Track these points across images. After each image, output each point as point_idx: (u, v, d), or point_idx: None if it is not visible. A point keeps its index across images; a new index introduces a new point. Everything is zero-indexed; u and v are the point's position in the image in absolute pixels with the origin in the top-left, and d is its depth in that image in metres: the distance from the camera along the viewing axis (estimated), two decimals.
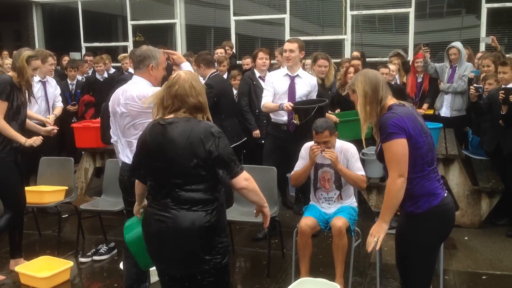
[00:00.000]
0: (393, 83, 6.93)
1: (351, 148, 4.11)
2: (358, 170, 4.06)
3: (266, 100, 5.16)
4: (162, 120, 2.61)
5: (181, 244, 2.55)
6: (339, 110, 5.92)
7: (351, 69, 5.91)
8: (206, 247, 2.57)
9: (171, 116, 2.61)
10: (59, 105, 6.32)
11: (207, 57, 5.78)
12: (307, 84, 5.23)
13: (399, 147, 2.64)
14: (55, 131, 5.07)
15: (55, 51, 9.49)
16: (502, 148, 5.29)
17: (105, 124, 5.61)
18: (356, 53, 7.80)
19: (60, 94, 7.55)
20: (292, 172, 4.23)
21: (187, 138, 2.52)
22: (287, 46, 5.21)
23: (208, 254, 2.58)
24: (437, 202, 2.72)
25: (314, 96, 5.29)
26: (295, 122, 4.85)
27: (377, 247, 2.76)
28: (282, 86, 5.17)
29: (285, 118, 5.19)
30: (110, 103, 3.65)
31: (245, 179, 2.60)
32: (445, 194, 2.78)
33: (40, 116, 5.91)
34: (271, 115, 5.34)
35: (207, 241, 2.57)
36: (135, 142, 3.20)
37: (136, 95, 3.40)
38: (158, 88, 3.19)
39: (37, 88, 6.02)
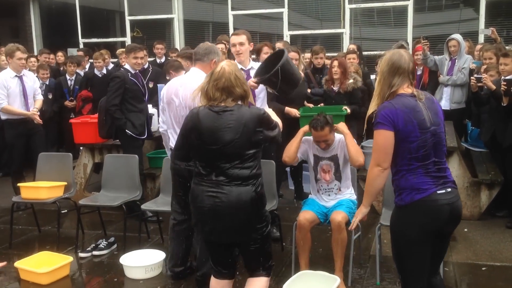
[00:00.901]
0: None
1: None
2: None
3: None
4: (214, 107, 2.89)
5: (236, 215, 2.86)
6: (322, 104, 5.87)
7: (335, 63, 5.78)
8: (256, 217, 2.92)
9: (222, 104, 2.88)
10: (39, 97, 6.41)
11: (174, 63, 5.73)
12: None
13: (381, 137, 2.70)
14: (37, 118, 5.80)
15: (52, 47, 9.55)
16: (498, 139, 5.29)
17: (102, 119, 5.63)
18: (352, 46, 7.77)
19: (58, 90, 7.56)
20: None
21: (243, 123, 2.83)
22: (235, 39, 4.66)
23: (258, 223, 2.93)
24: (420, 196, 2.68)
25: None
26: (271, 91, 4.54)
27: (352, 227, 3.17)
28: None
29: None
30: (165, 93, 3.92)
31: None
32: (438, 191, 2.70)
33: (23, 111, 6.08)
34: None
35: (256, 211, 2.91)
36: None
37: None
38: None
39: (14, 83, 6.04)
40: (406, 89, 2.75)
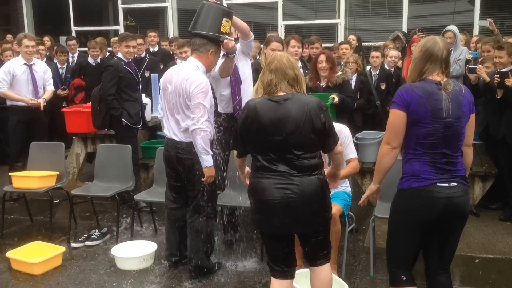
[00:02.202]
0: (392, 69, 6.90)
1: (344, 129, 4.06)
2: (351, 152, 4.05)
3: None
4: (273, 97, 2.84)
5: (308, 206, 2.83)
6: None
7: (322, 57, 5.23)
8: (325, 205, 2.92)
9: (281, 93, 2.84)
10: (49, 88, 6.29)
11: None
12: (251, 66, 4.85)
13: (393, 116, 2.77)
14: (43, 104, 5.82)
15: (45, 36, 9.41)
16: (491, 131, 5.30)
17: (96, 108, 5.58)
18: (352, 37, 7.71)
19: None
20: None
21: (305, 112, 2.79)
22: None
23: (326, 211, 2.94)
24: (418, 185, 2.71)
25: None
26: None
27: (362, 202, 3.15)
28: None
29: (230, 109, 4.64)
30: (162, 80, 3.94)
31: (340, 145, 2.99)
32: (439, 184, 2.69)
33: (22, 97, 6.00)
34: (221, 108, 4.64)
35: (325, 199, 2.92)
36: (184, 122, 3.74)
37: (190, 78, 3.70)
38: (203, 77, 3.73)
39: (21, 71, 5.98)
40: (435, 76, 2.74)
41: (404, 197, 2.79)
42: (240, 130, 2.92)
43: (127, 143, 5.28)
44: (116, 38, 8.36)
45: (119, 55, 5.60)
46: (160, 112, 4.09)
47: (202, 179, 3.80)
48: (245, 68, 4.58)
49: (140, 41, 7.61)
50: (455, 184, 2.73)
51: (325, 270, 3.06)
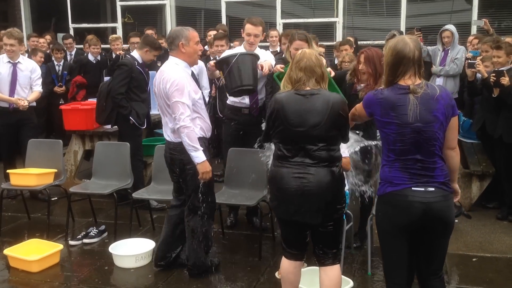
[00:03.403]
0: None
1: None
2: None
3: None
4: (300, 91, 2.98)
5: (323, 196, 2.94)
6: None
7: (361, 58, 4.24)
8: (338, 197, 3.04)
9: (308, 88, 2.98)
10: (36, 89, 6.00)
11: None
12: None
13: (359, 108, 2.94)
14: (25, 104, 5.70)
15: (42, 32, 9.38)
16: (488, 130, 5.31)
17: (102, 105, 5.54)
18: (350, 38, 7.68)
19: (47, 76, 7.31)
20: None
21: (330, 107, 2.93)
22: (252, 30, 4.73)
23: (339, 204, 3.04)
24: (391, 189, 2.70)
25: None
26: (221, 78, 4.41)
27: None
28: None
29: (246, 101, 4.86)
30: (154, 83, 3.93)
31: None
32: (414, 188, 2.65)
33: (7, 97, 5.76)
34: (230, 98, 4.93)
35: (340, 191, 3.05)
36: (171, 123, 3.75)
37: (165, 77, 3.70)
38: (183, 75, 3.68)
39: (4, 69, 5.77)
40: (407, 80, 2.69)
41: (382, 203, 2.80)
42: (267, 121, 3.08)
43: (132, 141, 5.27)
44: (114, 36, 8.34)
45: (135, 54, 5.53)
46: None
47: (199, 177, 3.76)
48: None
49: (137, 39, 7.60)
50: (432, 189, 2.66)
51: (335, 270, 3.13)
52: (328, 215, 3.01)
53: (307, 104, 2.95)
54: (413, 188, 2.66)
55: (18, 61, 5.86)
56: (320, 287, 3.14)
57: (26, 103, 5.79)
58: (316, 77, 3.01)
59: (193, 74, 3.92)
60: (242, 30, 4.91)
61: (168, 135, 3.86)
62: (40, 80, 6.13)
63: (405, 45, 2.69)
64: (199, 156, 3.68)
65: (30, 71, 5.94)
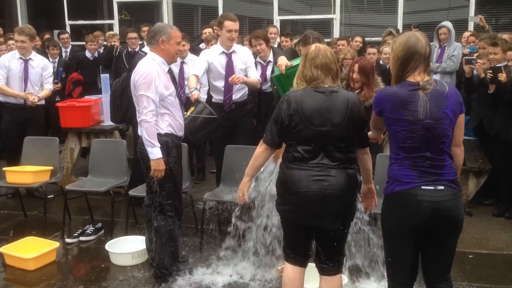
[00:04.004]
0: (388, 65, 6.89)
1: None
2: None
3: (195, 72, 4.84)
4: (319, 88, 2.84)
5: (344, 199, 2.85)
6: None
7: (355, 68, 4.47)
8: (355, 200, 2.95)
9: (327, 85, 2.85)
10: (47, 87, 5.99)
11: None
12: (242, 61, 4.99)
13: (372, 115, 2.86)
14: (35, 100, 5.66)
15: (39, 29, 9.33)
16: (485, 127, 5.31)
17: (117, 103, 5.43)
18: (358, 39, 7.61)
19: None
20: None
21: (350, 105, 2.82)
22: (233, 26, 4.82)
23: (354, 207, 2.95)
24: (400, 188, 2.64)
25: (251, 71, 5.02)
26: (186, 114, 4.22)
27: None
28: (220, 64, 4.94)
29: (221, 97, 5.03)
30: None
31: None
32: (423, 187, 2.60)
33: (17, 92, 5.76)
34: (213, 95, 5.15)
35: (356, 194, 2.95)
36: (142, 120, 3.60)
37: (136, 69, 3.65)
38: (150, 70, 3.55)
39: (16, 65, 5.76)
40: (416, 76, 2.64)
41: (390, 202, 2.73)
42: (282, 120, 2.86)
43: None
44: (111, 32, 8.32)
45: (146, 50, 5.50)
46: None
47: (150, 173, 3.68)
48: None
49: (134, 34, 7.59)
50: (442, 187, 2.61)
51: (338, 280, 3.03)
52: (345, 219, 2.92)
53: (328, 102, 2.81)
54: (422, 187, 2.61)
55: (30, 58, 5.84)
56: None
57: (36, 99, 5.78)
58: (332, 75, 2.88)
59: (170, 71, 3.81)
60: (217, 28, 5.06)
61: (139, 130, 3.73)
62: (51, 78, 6.12)
63: (418, 41, 2.65)
64: (154, 152, 3.60)
65: (42, 68, 5.91)
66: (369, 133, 3.05)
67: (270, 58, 5.81)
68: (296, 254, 3.03)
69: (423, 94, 2.60)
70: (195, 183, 6.12)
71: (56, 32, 10.29)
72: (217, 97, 5.11)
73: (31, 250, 4.30)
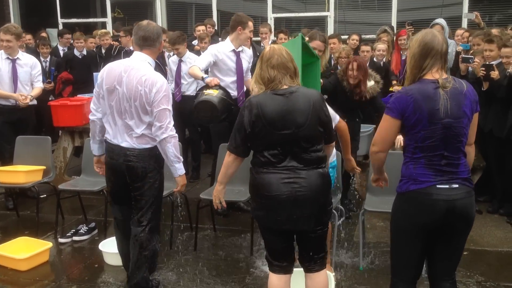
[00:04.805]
0: (382, 62, 6.89)
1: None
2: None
3: (198, 65, 4.90)
4: (277, 90, 2.80)
5: (316, 200, 2.83)
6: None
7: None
8: (329, 199, 2.95)
9: (285, 86, 2.80)
10: (38, 85, 5.88)
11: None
12: (247, 59, 5.22)
13: (384, 122, 2.68)
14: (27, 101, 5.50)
15: (31, 28, 9.28)
16: (479, 123, 5.31)
17: None
18: (355, 37, 7.59)
19: None
20: None
21: (311, 104, 2.79)
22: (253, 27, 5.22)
23: (329, 205, 2.96)
24: (415, 187, 2.61)
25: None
26: (206, 93, 4.59)
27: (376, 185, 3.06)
28: (230, 60, 5.07)
29: (234, 93, 5.05)
30: (105, 78, 3.40)
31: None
32: (438, 185, 2.58)
33: (9, 93, 5.62)
34: None
35: (329, 193, 2.94)
36: (139, 128, 3.36)
37: (147, 79, 3.30)
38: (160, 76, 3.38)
39: (4, 65, 5.62)
40: (434, 73, 2.60)
41: (403, 201, 2.69)
42: (244, 128, 2.81)
43: None
44: (102, 31, 8.27)
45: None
46: (94, 113, 3.57)
47: (175, 189, 3.64)
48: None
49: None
50: (456, 185, 2.60)
51: (322, 276, 3.01)
52: (320, 219, 2.89)
53: (289, 103, 2.77)
54: (437, 186, 2.58)
55: (17, 57, 5.70)
56: None
57: (28, 99, 5.66)
58: (290, 74, 2.83)
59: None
60: (239, 27, 5.05)
61: (126, 140, 3.40)
62: (41, 76, 6.00)
63: (434, 37, 2.61)
64: (181, 167, 3.50)
65: (31, 67, 5.79)
66: (372, 177, 2.99)
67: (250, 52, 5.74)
68: (279, 260, 2.97)
69: (443, 93, 2.56)
70: (189, 182, 6.08)
71: (49, 30, 10.24)
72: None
73: (24, 250, 4.27)
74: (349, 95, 4.78)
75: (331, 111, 3.85)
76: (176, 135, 3.43)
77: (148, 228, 3.52)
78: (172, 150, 3.39)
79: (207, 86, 4.61)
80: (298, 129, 2.76)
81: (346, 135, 3.79)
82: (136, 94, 3.30)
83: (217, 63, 5.02)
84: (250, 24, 5.12)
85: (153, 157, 3.45)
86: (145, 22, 3.46)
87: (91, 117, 3.61)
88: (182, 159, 3.52)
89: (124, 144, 3.42)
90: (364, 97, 4.76)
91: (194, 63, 5.08)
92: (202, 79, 4.72)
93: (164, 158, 3.46)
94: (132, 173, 3.44)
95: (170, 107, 3.39)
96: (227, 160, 2.97)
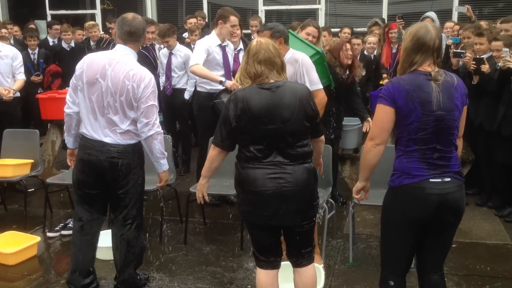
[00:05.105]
0: (372, 55, 6.89)
1: (302, 57, 3.92)
2: (314, 83, 3.90)
3: (198, 62, 4.89)
4: (264, 85, 2.76)
5: (302, 195, 2.80)
6: None
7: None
8: (316, 194, 2.91)
9: (272, 80, 2.76)
10: (20, 77, 5.79)
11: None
12: (231, 53, 5.25)
13: (379, 112, 2.65)
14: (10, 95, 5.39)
15: (19, 19, 9.17)
16: (471, 118, 5.33)
17: None
18: (347, 30, 7.58)
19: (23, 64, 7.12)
20: None
21: (298, 98, 2.75)
22: (236, 21, 5.17)
23: (315, 200, 2.91)
24: (409, 181, 2.60)
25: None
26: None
27: (356, 198, 3.00)
28: (218, 54, 5.09)
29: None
30: (86, 70, 3.26)
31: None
32: (431, 179, 2.58)
33: None
34: (205, 85, 5.14)
35: (315, 188, 2.90)
36: (123, 123, 3.25)
37: (135, 73, 3.21)
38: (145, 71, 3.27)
39: None
40: (426, 67, 2.60)
41: (396, 195, 2.69)
42: (230, 122, 2.77)
43: None
44: (91, 23, 8.18)
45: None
46: (70, 106, 3.43)
47: (158, 184, 3.61)
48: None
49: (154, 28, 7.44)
50: (448, 179, 2.61)
51: (310, 270, 2.99)
52: (306, 214, 2.87)
53: (275, 98, 2.72)
54: (430, 180, 2.59)
55: None
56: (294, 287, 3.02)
57: (11, 93, 5.57)
58: (277, 69, 2.79)
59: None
60: (220, 21, 5.06)
61: (108, 135, 3.27)
62: (23, 68, 5.90)
63: (427, 33, 2.58)
64: (166, 163, 3.46)
65: (12, 59, 5.70)
66: (357, 185, 2.91)
67: (241, 46, 5.72)
68: (265, 255, 2.95)
69: (436, 85, 2.56)
70: (179, 175, 6.07)
71: (37, 22, 10.12)
72: (209, 87, 5.11)
73: (12, 244, 4.23)
74: (341, 81, 4.81)
75: (313, 73, 3.92)
76: (162, 131, 3.36)
77: (135, 225, 3.47)
78: (159, 146, 3.34)
79: (227, 90, 4.57)
80: (284, 124, 2.72)
81: (322, 108, 3.84)
82: (123, 89, 3.19)
83: (208, 58, 5.00)
84: (232, 18, 5.05)
85: (137, 153, 3.37)
86: (130, 16, 3.32)
87: (66, 110, 3.46)
88: (166, 154, 3.46)
89: (107, 140, 3.29)
90: (355, 78, 4.91)
91: (191, 61, 5.03)
92: (221, 82, 4.71)
93: (149, 154, 3.39)
94: (115, 170, 3.31)
95: (157, 103, 3.32)
96: (212, 154, 2.93)
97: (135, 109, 3.25)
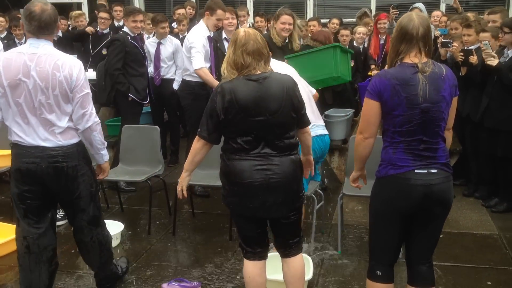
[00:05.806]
0: (362, 47, 6.89)
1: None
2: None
3: (205, 66, 5.02)
4: (251, 76, 2.72)
5: (289, 186, 2.81)
6: None
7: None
8: (301, 185, 2.91)
9: (258, 72, 2.73)
10: None
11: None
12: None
13: (366, 106, 2.67)
14: None
15: (3, 8, 9.01)
16: (459, 109, 5.36)
17: (102, 84, 5.51)
18: (336, 21, 7.59)
19: None
20: None
21: (285, 90, 2.74)
22: (223, 16, 5.22)
23: (301, 192, 2.92)
24: (394, 172, 2.62)
25: None
26: None
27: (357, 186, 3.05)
28: (207, 45, 5.18)
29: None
30: (3, 73, 2.90)
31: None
32: (417, 170, 2.58)
33: None
34: (193, 74, 5.18)
35: (301, 179, 2.91)
36: (61, 121, 2.99)
37: (64, 62, 2.94)
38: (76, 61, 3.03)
39: None
40: (413, 58, 2.58)
41: (382, 185, 2.71)
42: (217, 114, 2.72)
43: (130, 120, 5.30)
44: (77, 12, 8.08)
45: (125, 29, 5.51)
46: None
47: (100, 176, 3.37)
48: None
49: (105, 15, 7.37)
50: (435, 170, 2.61)
51: (298, 260, 2.99)
52: (293, 205, 2.87)
53: (262, 90, 2.70)
54: (416, 171, 2.59)
55: None
56: (284, 278, 3.03)
57: None
58: (264, 60, 2.76)
59: None
60: (207, 12, 5.11)
61: (48, 138, 2.99)
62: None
63: (410, 21, 2.56)
64: (107, 153, 3.28)
65: None
66: (352, 174, 2.95)
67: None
68: (252, 247, 2.94)
69: (423, 77, 2.54)
70: (168, 166, 6.04)
71: (22, 11, 9.94)
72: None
73: None
74: None
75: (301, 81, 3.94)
76: (99, 120, 3.14)
77: (100, 224, 3.38)
78: (99, 137, 3.14)
79: None
80: (272, 115, 2.70)
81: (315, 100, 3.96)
82: (55, 82, 2.91)
83: None
84: (219, 12, 5.10)
85: (81, 152, 3.13)
86: (37, 8, 2.91)
87: None
88: (106, 144, 3.28)
89: (46, 144, 2.99)
90: None
91: (195, 63, 5.01)
92: None
93: (88, 147, 3.18)
94: (61, 176, 3.04)
95: (90, 91, 3.09)
96: (196, 147, 2.88)
97: (71, 101, 2.99)
